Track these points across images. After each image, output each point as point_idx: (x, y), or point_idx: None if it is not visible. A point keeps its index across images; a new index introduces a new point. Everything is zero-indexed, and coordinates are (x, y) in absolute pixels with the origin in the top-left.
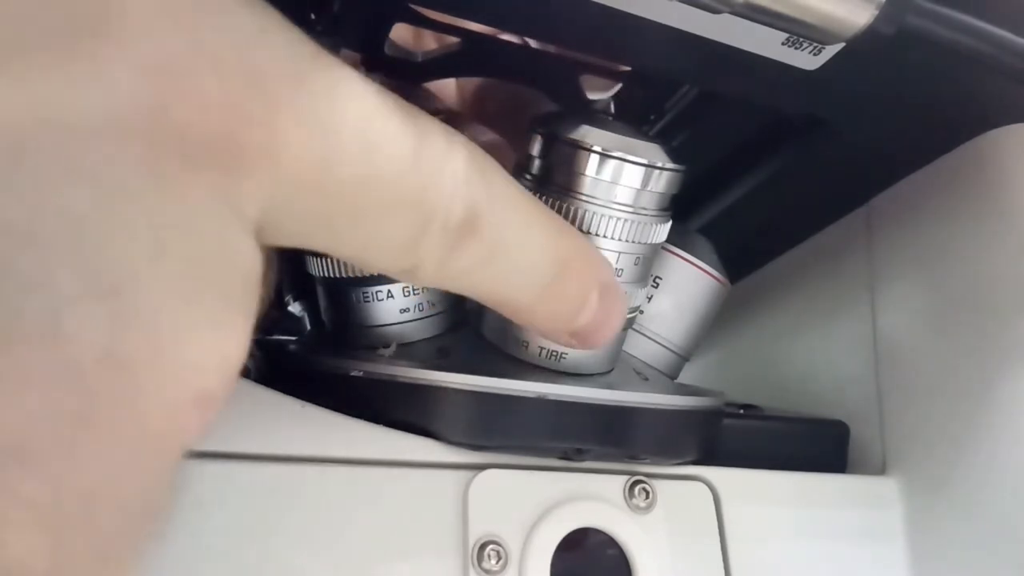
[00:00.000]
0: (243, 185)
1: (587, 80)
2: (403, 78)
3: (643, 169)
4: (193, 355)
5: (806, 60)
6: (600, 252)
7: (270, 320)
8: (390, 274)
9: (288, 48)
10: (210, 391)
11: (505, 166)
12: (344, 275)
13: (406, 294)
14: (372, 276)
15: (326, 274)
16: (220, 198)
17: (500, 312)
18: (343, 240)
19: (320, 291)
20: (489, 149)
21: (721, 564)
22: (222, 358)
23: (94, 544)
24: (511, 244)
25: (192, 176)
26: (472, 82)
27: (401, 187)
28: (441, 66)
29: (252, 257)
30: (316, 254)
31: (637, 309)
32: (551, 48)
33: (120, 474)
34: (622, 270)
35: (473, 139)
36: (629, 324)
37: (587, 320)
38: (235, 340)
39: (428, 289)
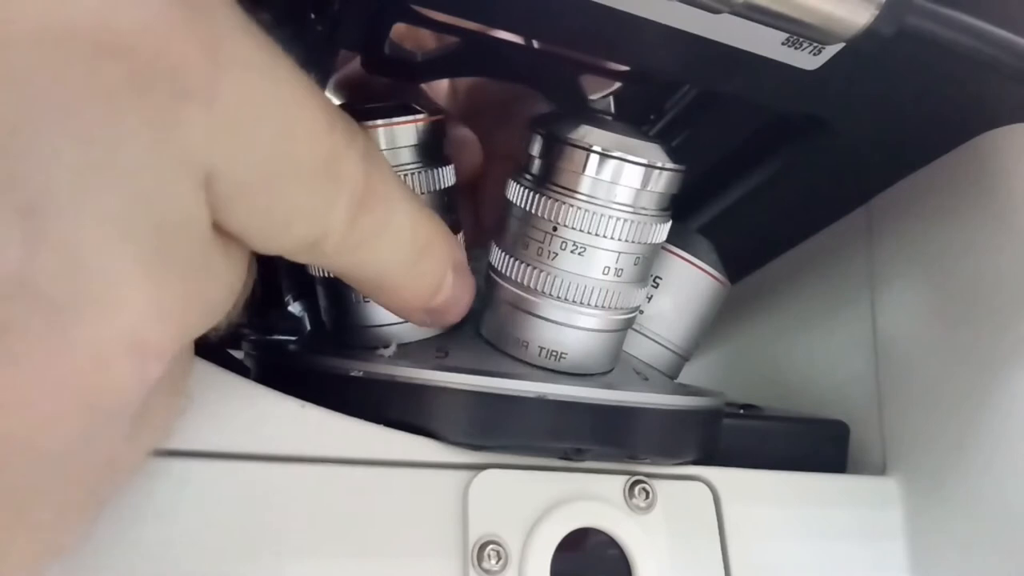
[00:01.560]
0: (183, 116)
1: (587, 80)
2: (403, 78)
3: (643, 169)
4: (118, 293)
5: (806, 60)
6: (453, 236)
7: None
8: (299, 248)
9: (239, 11)
10: (144, 341)
11: (474, 161)
12: None
13: None
14: None
15: (326, 274)
16: (159, 128)
17: (369, 293)
18: (268, 208)
19: (320, 291)
20: (459, 144)
21: (721, 564)
22: (156, 307)
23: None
24: (392, 222)
25: (131, 98)
26: (465, 79)
27: (317, 153)
28: (440, 66)
29: (194, 206)
30: None
31: (637, 309)
32: (551, 48)
33: (36, 419)
34: (622, 270)
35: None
36: (628, 324)
37: (443, 298)
38: (171, 291)
39: None
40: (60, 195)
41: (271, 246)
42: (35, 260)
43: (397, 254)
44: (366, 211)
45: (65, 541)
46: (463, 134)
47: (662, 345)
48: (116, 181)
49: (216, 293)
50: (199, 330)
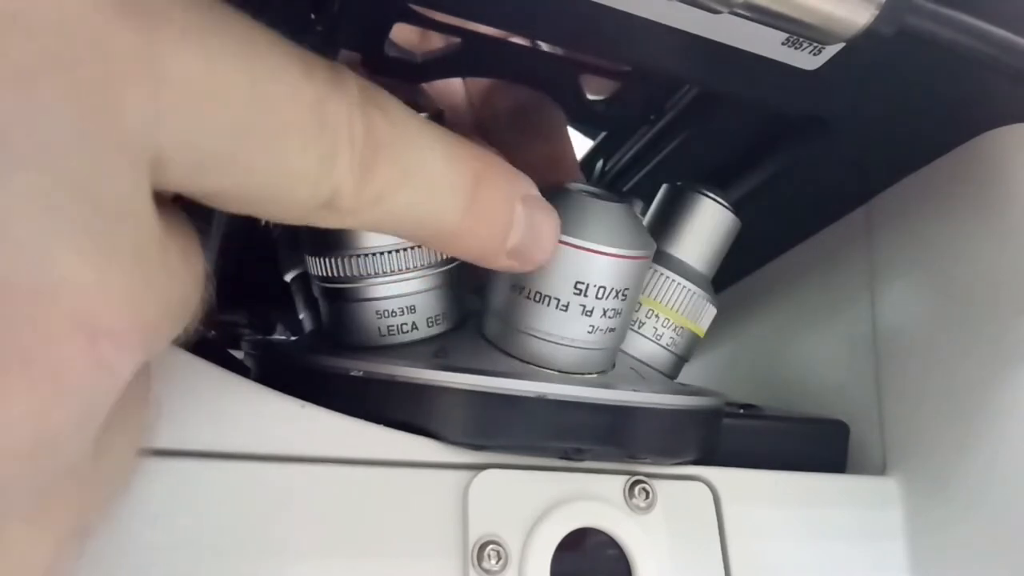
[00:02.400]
0: (119, 96)
1: (587, 80)
2: (403, 78)
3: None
4: (56, 270)
5: (806, 60)
6: (513, 167)
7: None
8: (312, 211)
9: None
10: (96, 319)
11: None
12: (344, 275)
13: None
14: (370, 276)
15: (326, 274)
16: (88, 109)
17: (431, 246)
18: (255, 172)
19: (319, 291)
20: None
21: (721, 564)
22: (101, 287)
23: None
24: (421, 163)
25: (49, 77)
26: (479, 83)
27: (295, 104)
28: (441, 66)
29: (134, 193)
30: (315, 254)
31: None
32: (551, 48)
33: None
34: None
35: None
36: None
37: (519, 236)
38: (117, 274)
39: (426, 291)
40: None
41: (282, 213)
42: None
43: (440, 198)
44: (376, 158)
45: (41, 560)
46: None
47: (662, 345)
48: (40, 162)
49: (174, 291)
50: (162, 331)
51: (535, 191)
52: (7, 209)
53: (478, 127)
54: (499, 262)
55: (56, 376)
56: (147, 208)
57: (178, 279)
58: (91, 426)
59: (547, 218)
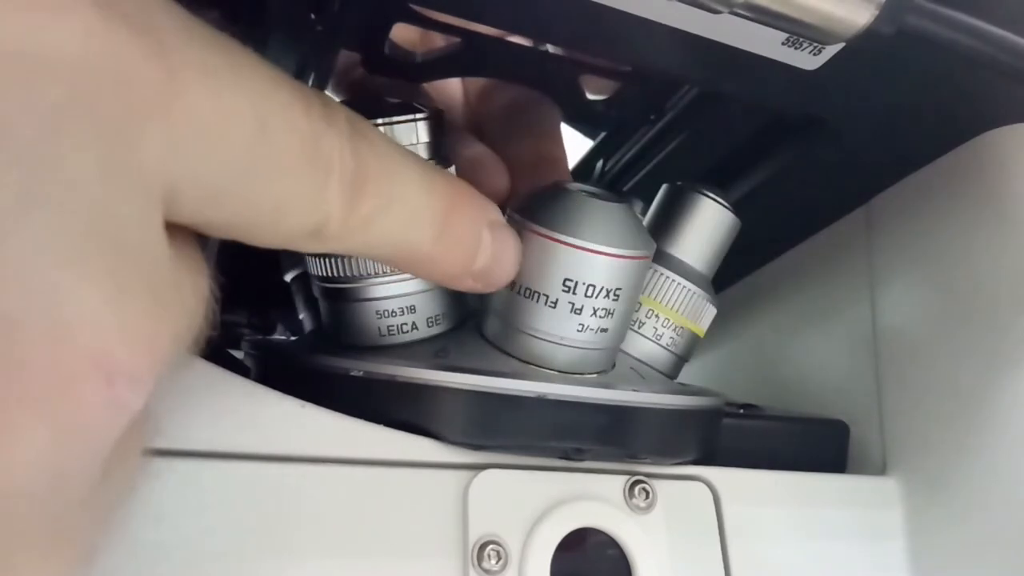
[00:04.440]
0: (139, 134)
1: (587, 80)
2: (403, 78)
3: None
4: (75, 310)
5: (806, 60)
6: (481, 195)
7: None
8: (301, 237)
9: (183, 14)
10: (110, 361)
11: (494, 181)
12: (344, 275)
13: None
14: (370, 276)
15: (326, 274)
16: (109, 147)
17: (404, 269)
18: (253, 204)
19: (319, 291)
20: (476, 163)
21: (721, 564)
22: (118, 326)
23: None
24: (402, 193)
25: (75, 117)
26: (476, 82)
27: (296, 141)
28: (441, 66)
29: (149, 227)
30: (315, 255)
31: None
32: (551, 48)
33: (6, 457)
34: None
35: (461, 151)
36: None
37: (485, 259)
38: (134, 312)
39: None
40: (6, 217)
41: (270, 240)
42: None
43: (416, 225)
44: (363, 188)
45: None
46: (479, 152)
47: (661, 346)
48: (62, 204)
49: (184, 320)
50: (171, 359)
51: (500, 217)
52: (26, 249)
53: (473, 125)
54: (464, 283)
55: (72, 416)
56: (161, 243)
57: (188, 307)
58: (100, 460)
59: (510, 242)
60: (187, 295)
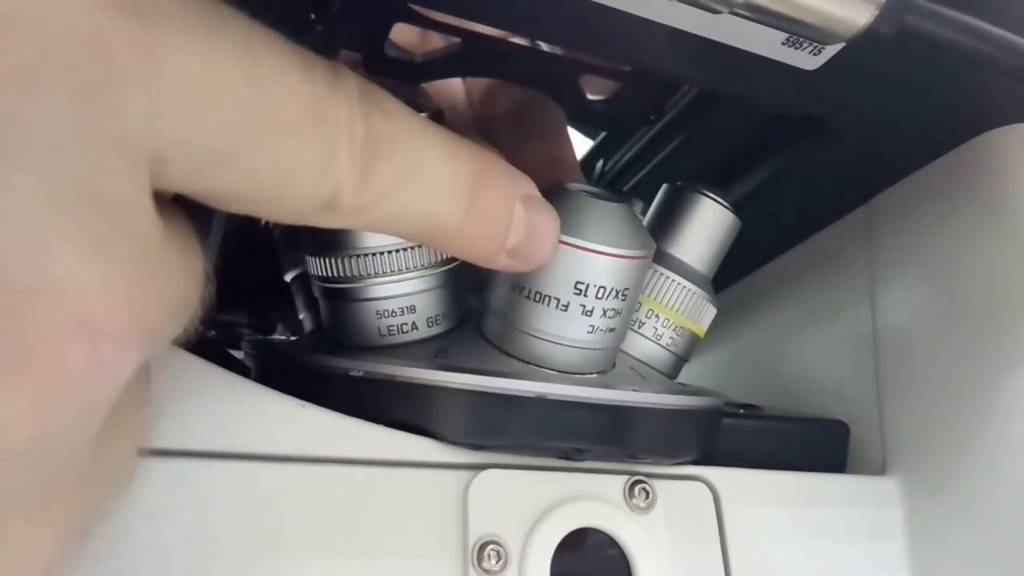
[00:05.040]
0: (119, 96)
1: (587, 80)
2: (403, 78)
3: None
4: (54, 269)
5: (806, 60)
6: (513, 167)
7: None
8: (312, 210)
9: None
10: (96, 320)
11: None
12: (344, 275)
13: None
14: (370, 276)
15: (326, 274)
16: (88, 109)
17: (431, 245)
18: (254, 172)
19: (319, 291)
20: None
21: (721, 564)
22: (100, 287)
23: None
24: (421, 163)
25: (49, 77)
26: (480, 83)
27: (295, 105)
28: (440, 66)
29: (133, 193)
30: (315, 254)
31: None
32: (551, 48)
33: None
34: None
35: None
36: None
37: (519, 236)
38: (116, 275)
39: (426, 291)
40: None
41: (283, 213)
42: None
43: (440, 197)
44: (377, 156)
45: (41, 558)
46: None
47: (661, 346)
48: (40, 163)
49: (173, 291)
50: (162, 330)
51: (535, 191)
52: (7, 209)
53: (478, 127)
54: (499, 262)
55: (55, 375)
56: (147, 208)
57: (178, 279)
58: (90, 425)
59: (547, 218)
60: (176, 264)
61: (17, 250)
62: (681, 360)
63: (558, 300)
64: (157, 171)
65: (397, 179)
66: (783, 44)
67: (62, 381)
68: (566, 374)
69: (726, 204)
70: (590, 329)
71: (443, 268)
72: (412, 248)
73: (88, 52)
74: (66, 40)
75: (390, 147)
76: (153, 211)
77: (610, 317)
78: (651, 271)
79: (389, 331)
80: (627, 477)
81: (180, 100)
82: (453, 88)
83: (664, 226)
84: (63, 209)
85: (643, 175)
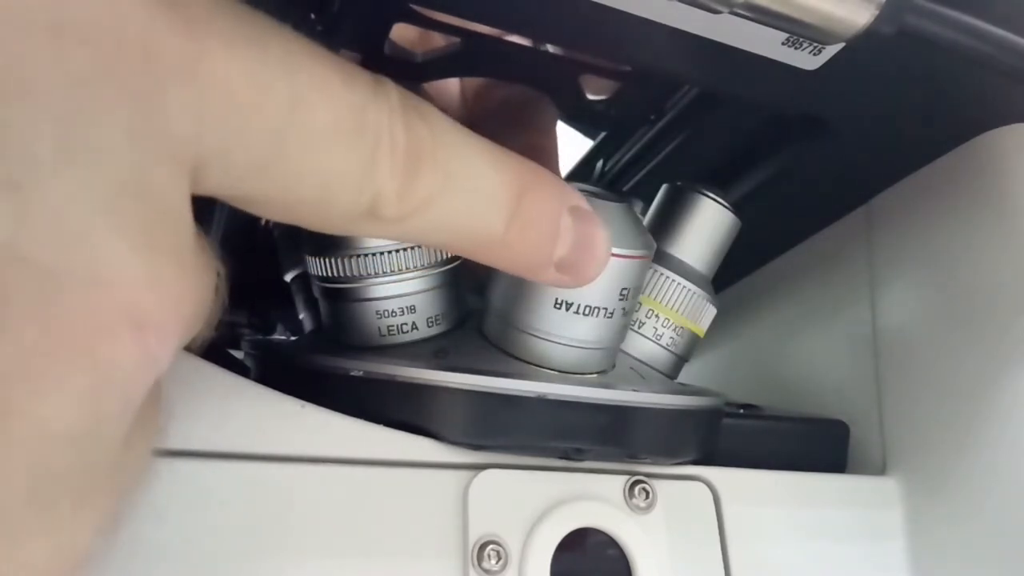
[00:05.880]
0: (166, 102)
1: (587, 80)
2: (403, 78)
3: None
4: (110, 264)
5: (806, 60)
6: (561, 178)
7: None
8: (355, 218)
9: None
10: (143, 314)
11: None
12: (344, 275)
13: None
14: (370, 276)
15: (326, 274)
16: (138, 112)
17: (476, 258)
18: (296, 178)
19: (319, 291)
20: None
21: (721, 564)
22: (150, 283)
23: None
24: (464, 171)
25: (103, 82)
26: (473, 82)
27: (336, 113)
28: (441, 66)
29: (174, 195)
30: (315, 254)
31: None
32: (551, 48)
33: (40, 390)
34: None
35: None
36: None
37: (567, 247)
38: (163, 271)
39: (426, 291)
40: (42, 170)
41: (325, 221)
42: (23, 229)
43: (484, 206)
44: (418, 164)
45: (82, 544)
46: None
47: (661, 346)
48: (94, 161)
49: (202, 289)
50: (194, 327)
51: (583, 203)
52: (64, 204)
53: (470, 124)
54: (547, 275)
55: (106, 365)
56: (186, 210)
57: (207, 279)
58: (130, 414)
59: (597, 230)
60: (204, 265)
61: (72, 243)
62: (681, 360)
63: (559, 300)
64: (199, 175)
65: (440, 188)
66: (783, 44)
67: (114, 369)
68: (566, 374)
69: (726, 204)
70: (590, 328)
71: (443, 268)
72: (412, 248)
73: (138, 58)
74: (118, 47)
75: (432, 155)
76: (190, 213)
77: (608, 317)
78: (651, 271)
79: (389, 331)
80: (627, 477)
81: (223, 107)
82: (447, 86)
83: (664, 226)
84: (115, 204)
85: (643, 175)
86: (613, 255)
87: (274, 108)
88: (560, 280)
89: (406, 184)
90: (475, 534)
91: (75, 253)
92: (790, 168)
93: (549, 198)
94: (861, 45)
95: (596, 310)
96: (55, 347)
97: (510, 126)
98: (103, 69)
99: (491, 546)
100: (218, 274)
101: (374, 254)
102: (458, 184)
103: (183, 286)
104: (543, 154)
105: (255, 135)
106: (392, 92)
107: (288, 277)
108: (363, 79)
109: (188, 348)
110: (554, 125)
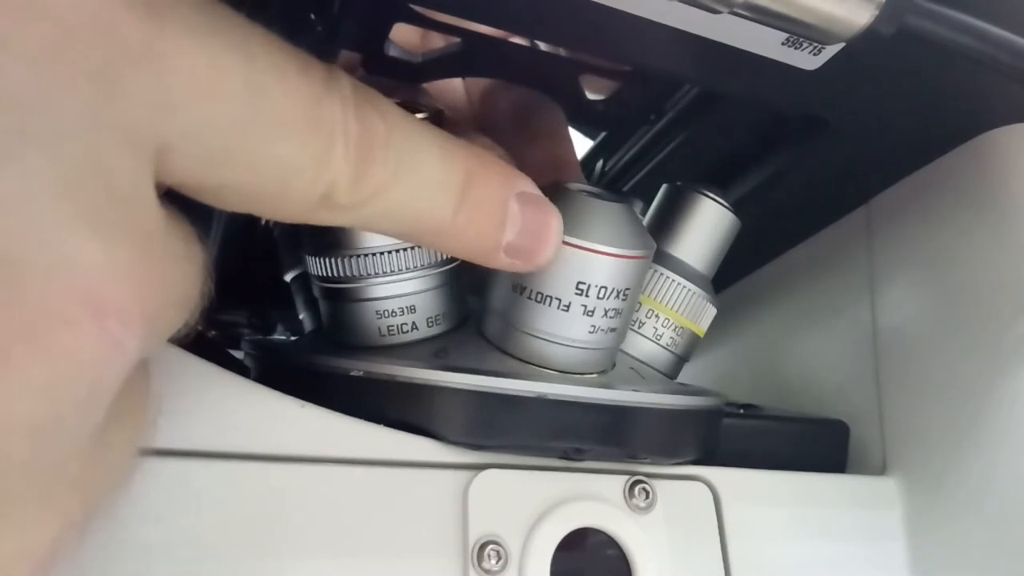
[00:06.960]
0: (126, 86)
1: (587, 80)
2: (403, 78)
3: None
4: (65, 249)
5: (806, 60)
6: (510, 165)
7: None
8: (309, 206)
9: None
10: (105, 298)
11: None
12: (344, 275)
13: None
14: (370, 276)
15: (326, 274)
16: (95, 95)
17: (425, 243)
18: (252, 167)
19: (319, 291)
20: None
21: (721, 564)
22: (108, 267)
23: None
24: (414, 161)
25: (59, 63)
26: (479, 83)
27: (293, 103)
28: (441, 66)
29: (138, 179)
30: (315, 254)
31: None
32: (551, 48)
33: (1, 391)
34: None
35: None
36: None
37: (515, 232)
38: (123, 256)
39: (426, 291)
40: None
41: (279, 210)
42: None
43: (433, 194)
44: (371, 154)
45: (46, 543)
46: (491, 149)
47: (661, 346)
48: (52, 142)
49: (175, 278)
50: (165, 318)
51: (533, 188)
52: (19, 188)
53: (479, 127)
54: (498, 260)
55: (64, 352)
56: (150, 196)
57: (179, 268)
58: (97, 406)
59: (547, 216)
60: (178, 253)
61: (27, 228)
62: (681, 360)
63: (559, 300)
64: (160, 161)
65: (391, 177)
66: (783, 44)
67: (73, 356)
68: (566, 374)
69: (726, 204)
70: (591, 329)
71: (443, 268)
72: (412, 248)
73: (99, 41)
74: (79, 27)
75: (384, 146)
76: (155, 199)
77: (611, 317)
78: (651, 271)
79: (389, 331)
80: (627, 477)
81: (184, 94)
82: (453, 88)
83: (664, 226)
84: (72, 190)
85: (643, 175)
86: (614, 255)
87: (234, 95)
88: (512, 265)
89: (358, 174)
90: (475, 534)
91: (30, 239)
92: (790, 168)
93: (496, 184)
94: (861, 45)
95: (597, 310)
96: (13, 337)
97: (523, 133)
98: (59, 47)
99: (491, 546)
100: (203, 264)
101: (374, 254)
102: (408, 174)
103: (149, 272)
104: (564, 165)
105: (216, 122)
106: (345, 83)
107: (288, 277)
108: (318, 70)
109: (170, 339)
110: (568, 131)
